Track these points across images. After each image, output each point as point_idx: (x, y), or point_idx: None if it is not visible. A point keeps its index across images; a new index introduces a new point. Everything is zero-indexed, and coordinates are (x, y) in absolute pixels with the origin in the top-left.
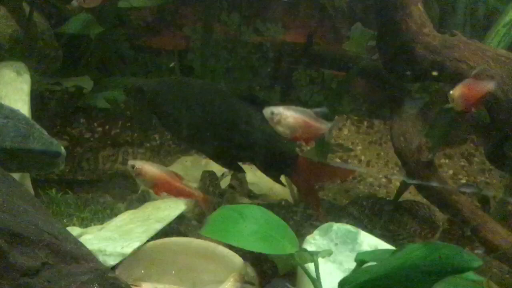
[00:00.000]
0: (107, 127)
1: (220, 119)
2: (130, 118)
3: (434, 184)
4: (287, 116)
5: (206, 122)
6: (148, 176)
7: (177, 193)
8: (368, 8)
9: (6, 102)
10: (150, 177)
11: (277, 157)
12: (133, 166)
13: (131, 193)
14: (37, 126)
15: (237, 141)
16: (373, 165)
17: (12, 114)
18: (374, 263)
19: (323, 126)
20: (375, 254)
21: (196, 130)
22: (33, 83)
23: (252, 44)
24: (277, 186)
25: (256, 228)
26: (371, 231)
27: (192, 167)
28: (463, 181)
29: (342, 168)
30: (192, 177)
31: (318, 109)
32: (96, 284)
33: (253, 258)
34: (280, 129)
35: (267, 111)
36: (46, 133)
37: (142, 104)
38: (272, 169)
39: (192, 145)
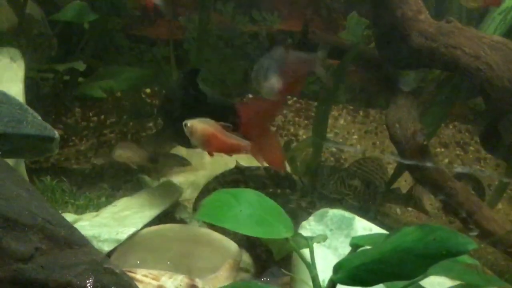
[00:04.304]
0: (102, 116)
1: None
2: (125, 107)
3: (429, 167)
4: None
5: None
6: (198, 134)
7: (228, 149)
8: None
9: (0, 87)
10: (201, 135)
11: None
12: (185, 125)
13: (126, 180)
14: (31, 110)
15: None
16: (369, 154)
17: (5, 99)
18: (369, 247)
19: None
20: (369, 238)
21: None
22: (27, 70)
23: (247, 34)
24: None
25: (251, 212)
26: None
27: (187, 156)
28: (459, 169)
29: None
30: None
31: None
32: (91, 270)
33: (248, 244)
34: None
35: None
36: (39, 117)
37: None
38: None
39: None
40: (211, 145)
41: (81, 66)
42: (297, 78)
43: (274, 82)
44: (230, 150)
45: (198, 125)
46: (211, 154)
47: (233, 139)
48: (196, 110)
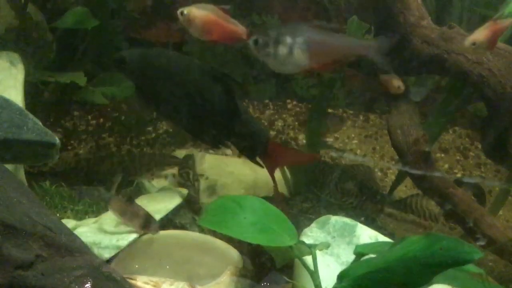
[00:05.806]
0: (101, 120)
1: (198, 94)
2: (124, 112)
3: (432, 175)
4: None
5: (185, 97)
6: (197, 21)
7: (228, 37)
8: (365, 1)
9: (0, 91)
10: (201, 22)
11: (252, 138)
12: (182, 13)
13: (126, 185)
14: (31, 116)
15: (215, 119)
16: (368, 158)
17: (5, 104)
18: (373, 255)
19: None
20: (374, 246)
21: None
22: (26, 74)
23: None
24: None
25: (255, 220)
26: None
27: None
28: (459, 175)
29: (304, 154)
30: None
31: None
32: (91, 278)
33: (250, 251)
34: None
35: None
36: (40, 123)
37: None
38: (247, 149)
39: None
40: (212, 33)
41: (82, 79)
42: (336, 59)
43: (301, 57)
44: (230, 37)
45: (197, 12)
46: (211, 43)
47: (233, 24)
48: (227, 125)
